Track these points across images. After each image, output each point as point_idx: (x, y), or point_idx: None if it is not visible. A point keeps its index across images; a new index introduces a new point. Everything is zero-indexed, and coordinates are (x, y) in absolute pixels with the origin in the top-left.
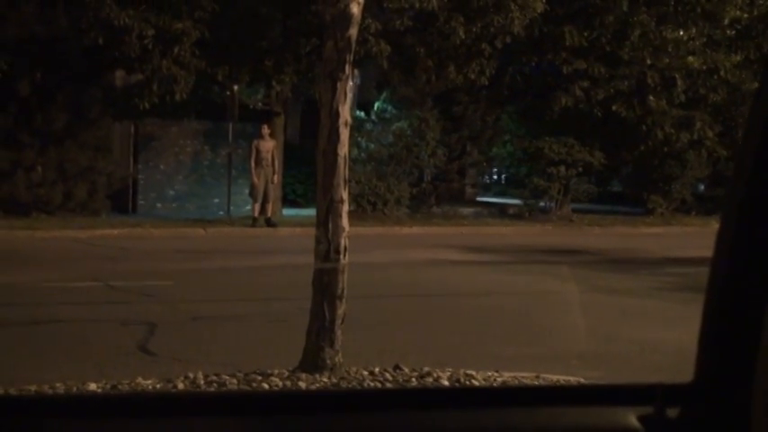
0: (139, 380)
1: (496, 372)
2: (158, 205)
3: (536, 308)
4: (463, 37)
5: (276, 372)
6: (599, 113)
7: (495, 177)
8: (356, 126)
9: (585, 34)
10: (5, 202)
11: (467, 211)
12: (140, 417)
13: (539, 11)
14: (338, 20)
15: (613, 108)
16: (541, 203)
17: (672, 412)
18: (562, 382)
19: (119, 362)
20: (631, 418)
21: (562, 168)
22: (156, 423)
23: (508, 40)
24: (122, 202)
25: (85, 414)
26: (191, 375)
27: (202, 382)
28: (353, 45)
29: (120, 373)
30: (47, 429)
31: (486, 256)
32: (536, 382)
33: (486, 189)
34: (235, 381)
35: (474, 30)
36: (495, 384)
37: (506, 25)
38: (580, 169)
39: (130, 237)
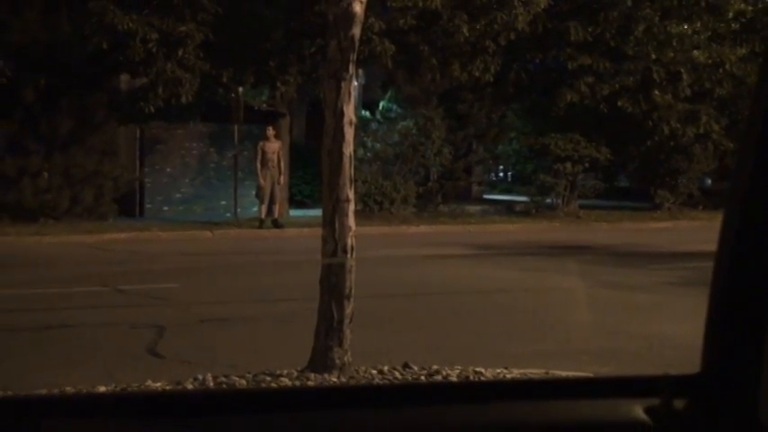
0: (149, 383)
1: (505, 369)
2: (165, 208)
3: (544, 304)
4: (467, 35)
5: (285, 372)
6: (604, 109)
7: (502, 175)
8: (362, 126)
9: (590, 30)
10: (12, 209)
11: (473, 208)
12: (150, 416)
13: (542, 7)
14: (341, 19)
15: (619, 103)
16: (548, 200)
17: (679, 403)
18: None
19: (128, 365)
20: (638, 410)
21: (568, 164)
22: (166, 422)
23: (512, 36)
24: (129, 206)
25: (94, 414)
26: (200, 377)
27: (212, 383)
28: (357, 44)
29: (130, 377)
30: (55, 430)
31: (494, 254)
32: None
33: (493, 187)
34: (244, 382)
35: (478, 27)
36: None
37: (510, 22)
38: (586, 165)
39: (138, 240)
